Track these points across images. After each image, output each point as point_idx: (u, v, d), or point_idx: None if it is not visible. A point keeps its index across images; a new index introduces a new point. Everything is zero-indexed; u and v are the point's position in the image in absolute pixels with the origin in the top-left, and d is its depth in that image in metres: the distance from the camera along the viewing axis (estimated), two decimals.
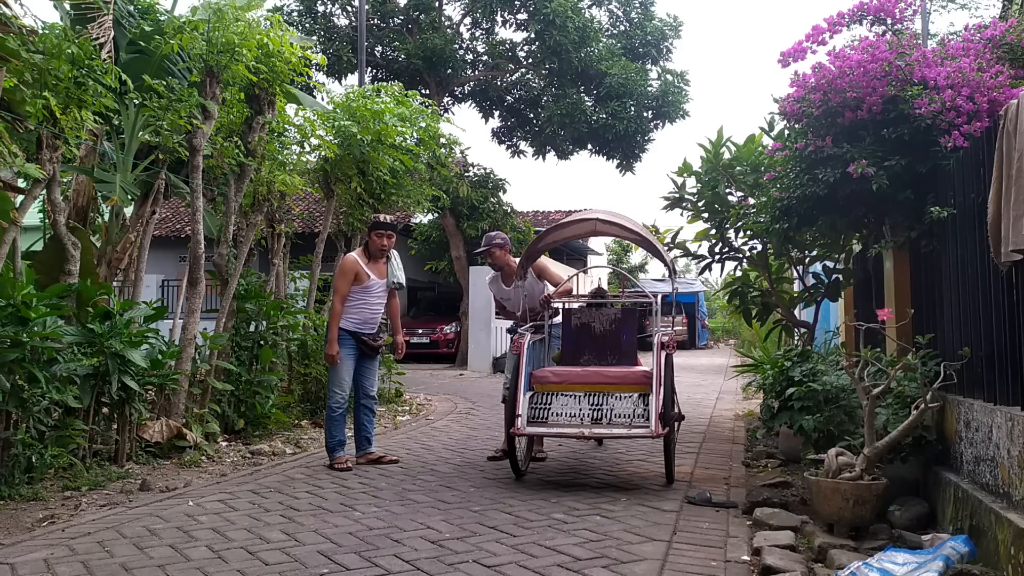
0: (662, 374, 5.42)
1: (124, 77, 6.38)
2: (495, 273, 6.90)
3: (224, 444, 7.01)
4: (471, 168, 18.66)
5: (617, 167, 21.50)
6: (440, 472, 5.94)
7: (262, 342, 7.81)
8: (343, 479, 5.67)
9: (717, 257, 8.06)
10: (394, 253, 6.47)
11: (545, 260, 6.82)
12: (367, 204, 9.20)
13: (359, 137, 8.52)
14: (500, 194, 18.73)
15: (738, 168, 7.55)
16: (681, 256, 8.58)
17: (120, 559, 3.78)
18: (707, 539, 4.15)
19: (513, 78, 22.19)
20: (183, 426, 6.54)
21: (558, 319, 6.52)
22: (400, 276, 6.43)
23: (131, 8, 7.65)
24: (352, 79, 20.33)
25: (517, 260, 6.67)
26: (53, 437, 5.42)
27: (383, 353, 7.08)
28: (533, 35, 20.10)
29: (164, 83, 6.72)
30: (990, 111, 4.64)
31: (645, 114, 20.55)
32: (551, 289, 6.55)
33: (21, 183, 6.31)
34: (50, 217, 6.39)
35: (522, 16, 20.78)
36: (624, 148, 20.69)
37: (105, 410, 6.04)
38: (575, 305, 6.66)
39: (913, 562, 3.38)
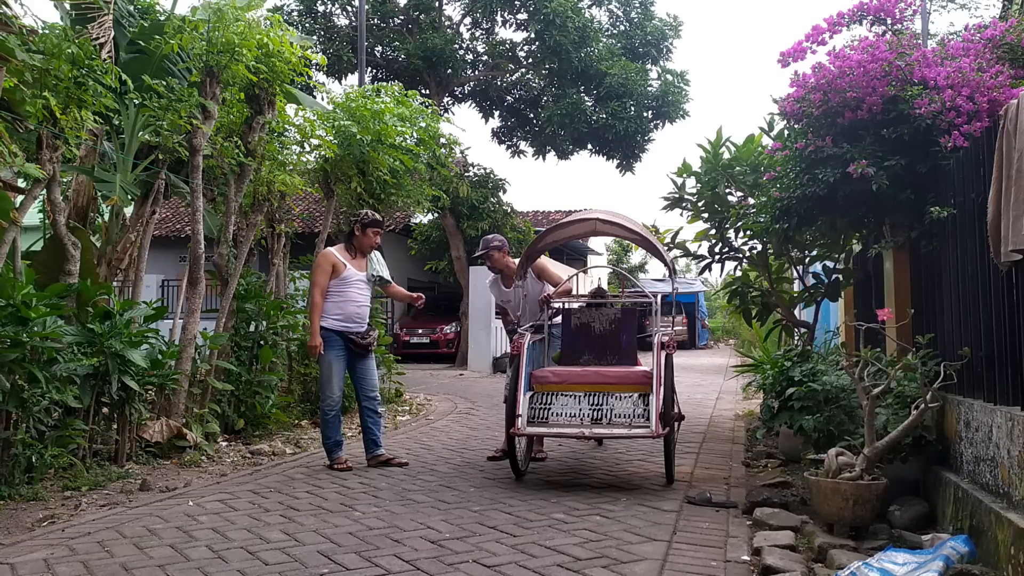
0: (662, 374, 5.41)
1: (124, 77, 6.37)
2: (495, 276, 6.90)
3: (224, 444, 7.01)
4: (471, 168, 18.66)
5: (617, 167, 21.51)
6: (440, 472, 5.94)
7: (262, 342, 7.80)
8: (343, 479, 5.67)
9: (717, 257, 8.06)
10: (374, 252, 6.46)
11: (545, 260, 6.82)
12: (367, 204, 9.20)
13: (359, 137, 8.52)
14: (500, 194, 18.73)
15: (738, 168, 7.56)
16: (681, 256, 8.58)
17: (120, 559, 3.78)
18: (707, 539, 4.15)
19: (513, 78, 22.19)
20: (183, 426, 6.54)
21: (558, 319, 6.52)
22: (381, 270, 6.41)
23: (131, 8, 7.66)
24: (352, 79, 20.36)
25: (517, 261, 6.67)
26: (53, 437, 5.42)
27: (382, 353, 7.07)
28: (533, 35, 20.10)
29: (164, 83, 6.72)
30: (990, 111, 4.64)
31: (645, 114, 20.55)
32: (551, 289, 6.55)
33: (21, 183, 6.30)
34: (50, 217, 6.39)
35: (522, 16, 20.78)
36: (624, 148, 20.69)
37: (105, 410, 6.04)
38: (575, 305, 6.66)
39: (913, 562, 3.38)
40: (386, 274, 6.44)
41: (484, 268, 16.91)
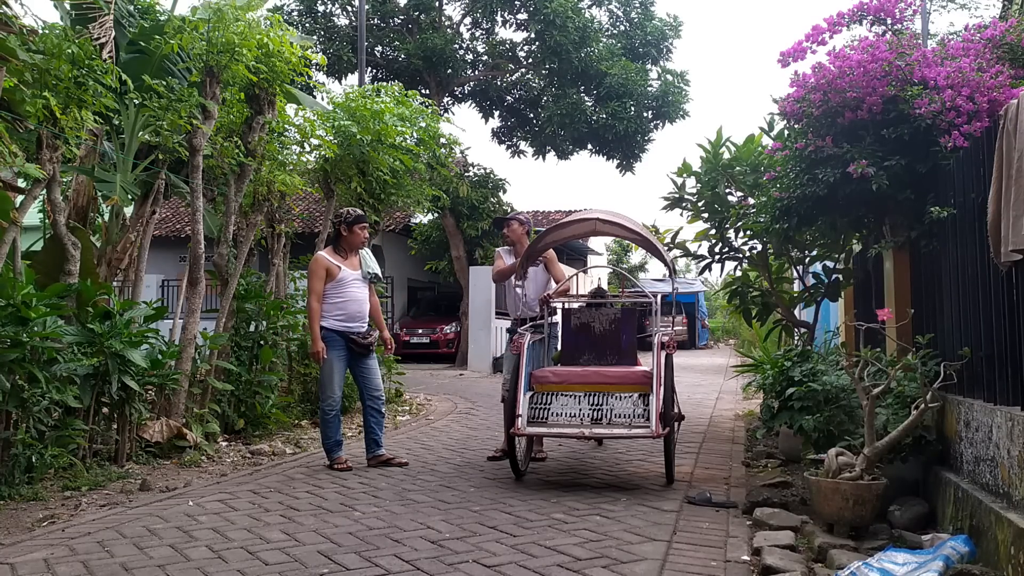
0: (662, 374, 5.41)
1: (124, 77, 6.38)
2: (508, 248, 6.88)
3: (224, 444, 7.01)
4: (471, 168, 18.66)
5: (617, 167, 21.50)
6: (440, 472, 5.94)
7: (262, 342, 7.80)
8: (343, 479, 5.67)
9: (717, 257, 8.06)
10: (365, 250, 6.46)
11: (554, 254, 6.79)
12: (367, 204, 9.20)
13: (359, 137, 8.52)
14: (500, 194, 18.73)
15: (738, 168, 7.56)
16: (681, 256, 8.58)
17: (120, 559, 3.78)
18: (707, 539, 4.15)
19: (513, 78, 22.18)
20: (183, 426, 6.54)
21: (557, 317, 6.51)
22: (374, 267, 6.41)
23: (131, 8, 7.66)
24: (352, 79, 20.35)
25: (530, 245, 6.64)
26: (53, 437, 5.42)
27: (381, 352, 7.06)
28: (533, 35, 20.10)
29: (164, 83, 6.72)
30: (990, 111, 4.64)
31: (645, 114, 20.55)
32: (554, 285, 6.56)
33: (21, 183, 6.30)
34: (50, 217, 6.39)
35: (522, 16, 20.78)
36: (624, 148, 20.69)
37: (105, 410, 6.04)
38: (575, 305, 6.66)
39: (913, 562, 3.38)
40: (377, 269, 6.46)
41: (484, 268, 16.73)
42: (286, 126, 8.02)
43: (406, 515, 4.59)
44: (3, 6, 5.16)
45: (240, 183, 7.43)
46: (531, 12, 19.80)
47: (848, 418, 4.98)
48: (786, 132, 6.31)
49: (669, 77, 20.71)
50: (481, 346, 17.25)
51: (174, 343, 7.07)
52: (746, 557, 3.84)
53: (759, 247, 7.78)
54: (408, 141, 9.29)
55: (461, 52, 21.27)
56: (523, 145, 22.68)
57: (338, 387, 6.12)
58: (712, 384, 13.81)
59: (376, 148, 8.77)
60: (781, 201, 5.68)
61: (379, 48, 21.17)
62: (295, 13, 20.49)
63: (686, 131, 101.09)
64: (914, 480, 4.75)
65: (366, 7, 17.27)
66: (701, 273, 8.34)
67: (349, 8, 20.98)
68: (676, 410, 5.84)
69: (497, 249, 7.07)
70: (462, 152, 17.47)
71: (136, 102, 7.15)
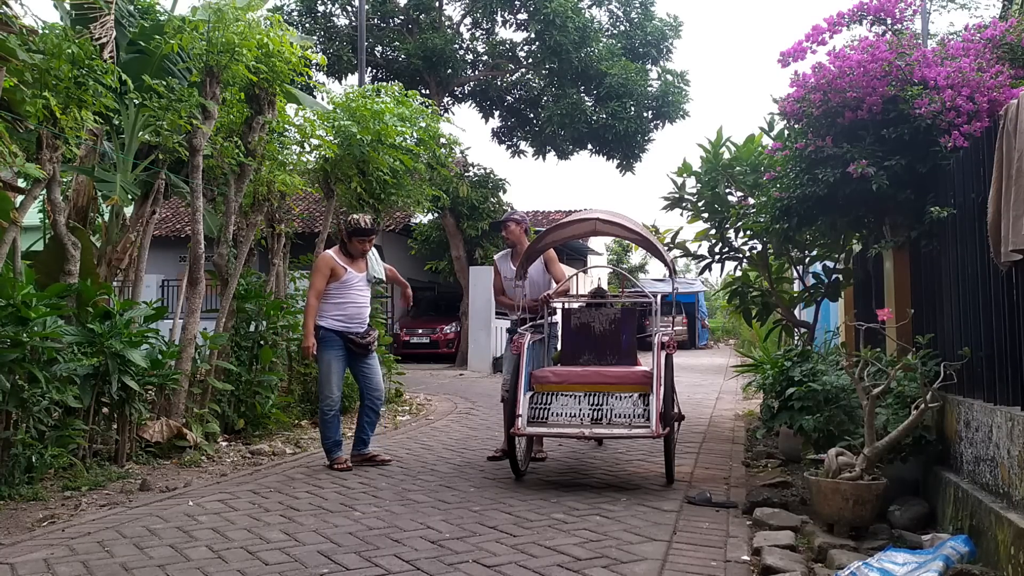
0: (662, 374, 5.42)
1: (124, 77, 6.37)
2: (507, 251, 6.88)
3: (224, 444, 7.01)
4: (471, 168, 18.65)
5: (617, 167, 21.51)
6: (440, 472, 5.94)
7: (262, 342, 7.80)
8: (343, 479, 5.67)
9: (717, 257, 8.06)
10: (372, 251, 6.46)
11: (554, 253, 6.79)
12: (367, 204, 9.19)
13: (359, 137, 8.51)
14: (500, 194, 18.71)
15: (738, 168, 7.56)
16: (681, 256, 8.59)
17: (120, 559, 3.78)
18: (707, 539, 4.15)
19: (513, 78, 22.19)
20: (183, 426, 6.54)
21: (557, 318, 6.51)
22: (379, 271, 6.43)
23: (131, 8, 7.66)
24: (352, 79, 20.36)
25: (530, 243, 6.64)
26: (53, 437, 5.41)
27: (382, 353, 7.07)
28: (533, 35, 20.11)
29: (164, 83, 6.72)
30: (990, 111, 4.65)
31: (645, 114, 20.55)
32: (554, 285, 6.55)
33: (21, 183, 6.30)
34: (50, 217, 6.39)
35: (522, 16, 20.78)
36: (624, 148, 20.69)
37: (105, 410, 6.04)
38: (575, 305, 6.66)
39: (913, 562, 3.38)
40: (381, 274, 6.47)
41: (484, 268, 16.72)
42: (286, 126, 8.01)
43: (406, 515, 4.59)
44: (3, 6, 5.16)
45: (240, 183, 7.42)
46: (531, 12, 19.80)
47: (848, 418, 4.98)
48: (786, 132, 6.32)
49: (669, 77, 20.72)
50: (481, 346, 17.24)
51: (174, 343, 7.06)
52: (746, 557, 3.84)
53: (759, 247, 7.79)
54: (408, 141, 9.28)
55: (461, 52, 21.27)
56: (523, 145, 22.69)
57: (337, 387, 6.12)
58: (712, 384, 13.81)
59: (376, 148, 8.76)
60: (781, 201, 5.69)
61: (379, 48, 21.18)
62: (295, 13, 20.49)
63: (686, 131, 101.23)
64: (914, 480, 4.75)
65: (366, 7, 17.28)
66: (701, 273, 8.35)
67: (349, 8, 20.99)
68: (676, 410, 5.84)
69: (495, 257, 7.06)
70: (462, 152, 17.46)
71: (136, 102, 7.14)
